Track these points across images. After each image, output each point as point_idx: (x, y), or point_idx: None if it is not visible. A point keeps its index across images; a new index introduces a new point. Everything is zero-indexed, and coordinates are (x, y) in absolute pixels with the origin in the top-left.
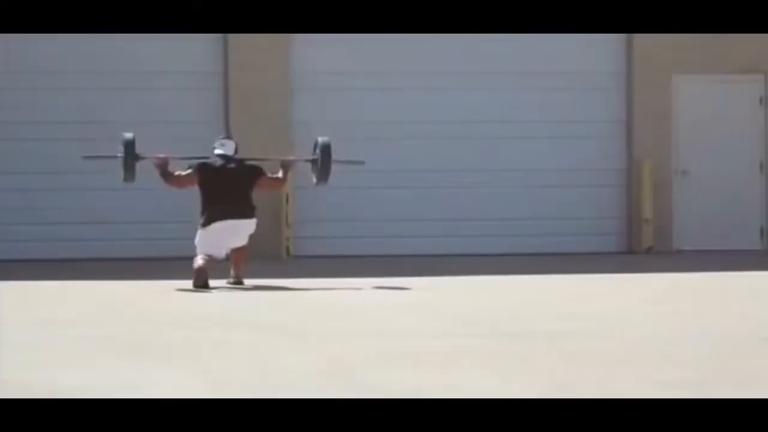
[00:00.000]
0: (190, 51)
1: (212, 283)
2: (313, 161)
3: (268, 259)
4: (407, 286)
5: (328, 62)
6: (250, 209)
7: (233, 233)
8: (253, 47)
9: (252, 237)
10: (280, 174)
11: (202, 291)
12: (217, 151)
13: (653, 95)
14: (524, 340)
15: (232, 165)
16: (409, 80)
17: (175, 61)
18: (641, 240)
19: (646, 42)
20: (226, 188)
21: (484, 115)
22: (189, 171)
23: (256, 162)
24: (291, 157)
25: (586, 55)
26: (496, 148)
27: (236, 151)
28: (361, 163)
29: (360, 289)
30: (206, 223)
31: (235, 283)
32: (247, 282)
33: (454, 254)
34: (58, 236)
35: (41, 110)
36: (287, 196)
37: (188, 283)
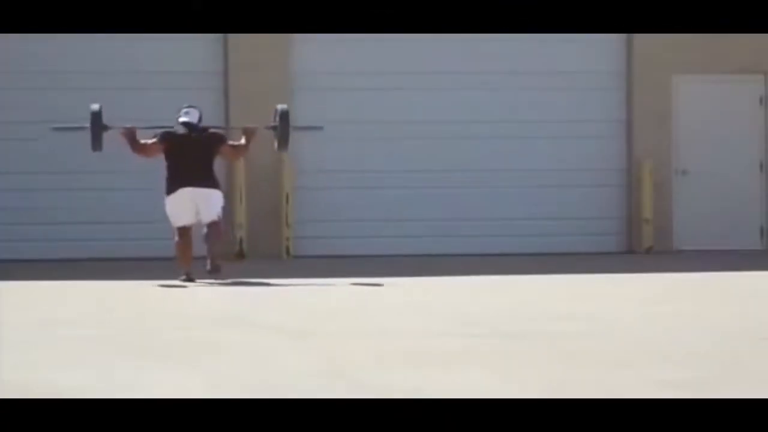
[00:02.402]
0: (190, 51)
1: (213, 283)
2: (274, 128)
3: (268, 259)
4: (407, 286)
5: (328, 62)
6: (212, 178)
7: (199, 202)
8: (253, 47)
9: (252, 237)
10: (242, 141)
11: (187, 280)
12: (182, 119)
13: (653, 95)
14: (524, 340)
15: (196, 134)
16: (409, 80)
17: (175, 61)
18: (641, 240)
19: (646, 42)
20: (190, 156)
21: (484, 115)
22: (153, 140)
23: (218, 130)
24: (252, 125)
25: (586, 55)
26: (495, 148)
27: (200, 120)
28: (320, 128)
29: (360, 289)
30: (170, 191)
31: (212, 271)
32: (248, 282)
33: (454, 254)
34: (58, 236)
35: (41, 110)
36: (287, 196)
37: (187, 284)
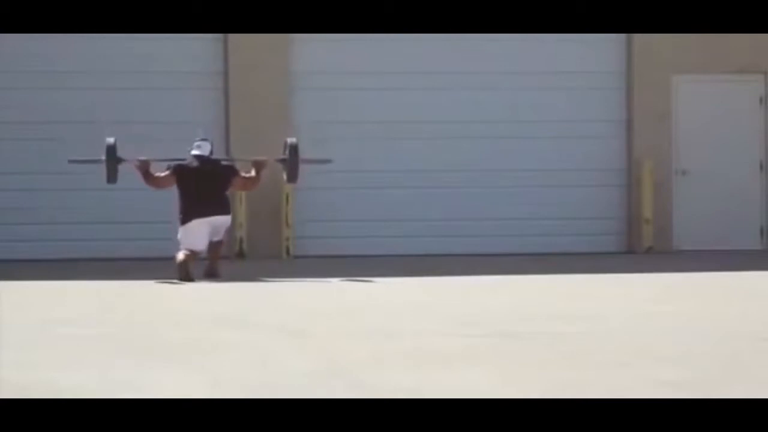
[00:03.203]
0: (190, 51)
1: (213, 283)
2: (283, 161)
3: (268, 259)
4: (407, 286)
5: (328, 62)
6: (226, 206)
7: (211, 229)
8: (253, 47)
9: (252, 237)
10: (252, 173)
11: (186, 283)
12: (194, 152)
13: (653, 95)
14: (524, 340)
15: (208, 166)
16: (409, 80)
17: (175, 61)
18: (641, 240)
19: (646, 42)
20: (203, 188)
21: (484, 115)
22: (167, 173)
23: (229, 162)
24: (263, 158)
25: (586, 55)
26: (495, 148)
27: (212, 152)
28: (328, 161)
29: (359, 288)
30: (185, 221)
31: (209, 274)
32: (248, 282)
33: (454, 254)
34: (58, 236)
35: (41, 110)
36: (287, 196)
37: (187, 284)
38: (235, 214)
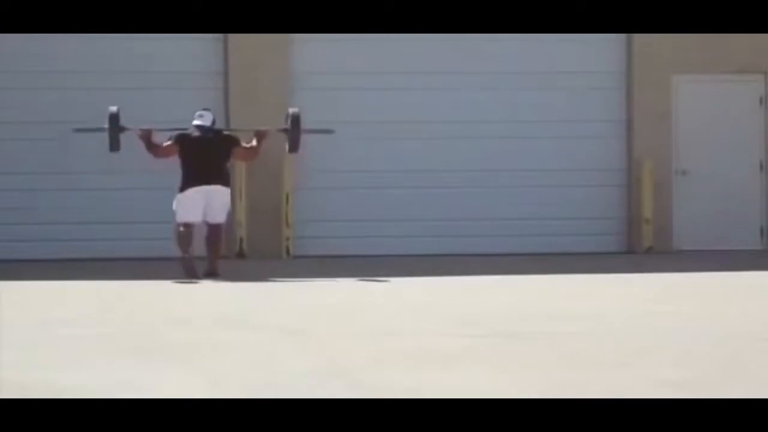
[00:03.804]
0: (190, 51)
1: (213, 283)
2: (285, 131)
3: (268, 259)
4: (407, 286)
5: (328, 62)
6: (224, 177)
7: (207, 200)
8: (253, 47)
9: (252, 237)
10: (254, 143)
11: (192, 280)
12: (195, 122)
13: (653, 95)
14: (524, 340)
15: (210, 135)
16: (409, 80)
17: (175, 61)
18: (641, 240)
19: (646, 42)
20: (203, 157)
21: (484, 115)
22: (169, 142)
23: (231, 132)
24: (264, 128)
25: (586, 55)
26: (495, 148)
27: (214, 123)
28: (331, 131)
29: (360, 289)
30: (182, 189)
31: (209, 274)
32: (248, 282)
33: (454, 254)
34: (58, 236)
35: (41, 110)
36: (287, 196)
37: (187, 284)
38: (235, 214)
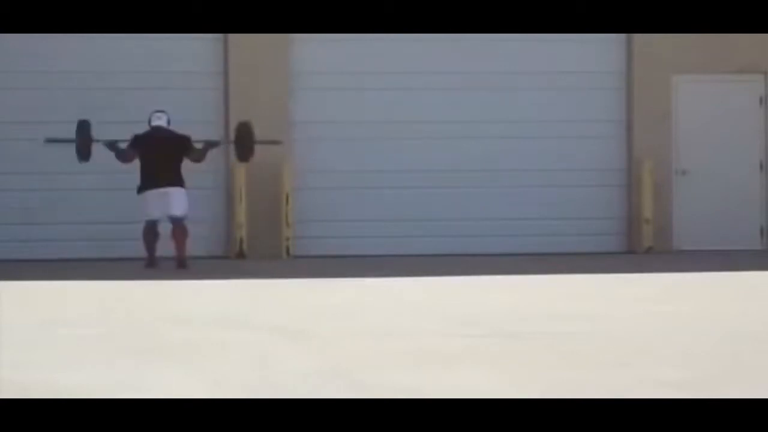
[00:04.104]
0: (190, 51)
1: (213, 283)
2: (235, 140)
3: (268, 259)
4: (407, 286)
5: (328, 62)
6: (180, 178)
7: (166, 198)
8: (253, 47)
9: (252, 237)
10: (200, 146)
11: (152, 268)
12: (154, 123)
13: (653, 95)
14: (524, 340)
15: (165, 135)
16: (409, 80)
17: (175, 61)
18: (641, 240)
19: (646, 42)
20: (159, 158)
21: (484, 115)
22: (128, 146)
23: (184, 133)
24: (215, 140)
25: (586, 55)
26: (496, 148)
27: (168, 123)
28: (278, 143)
29: (360, 289)
30: (140, 191)
31: (180, 266)
32: (248, 282)
33: (454, 254)
34: (58, 236)
35: (42, 110)
36: (287, 196)
37: (187, 284)
38: (235, 214)
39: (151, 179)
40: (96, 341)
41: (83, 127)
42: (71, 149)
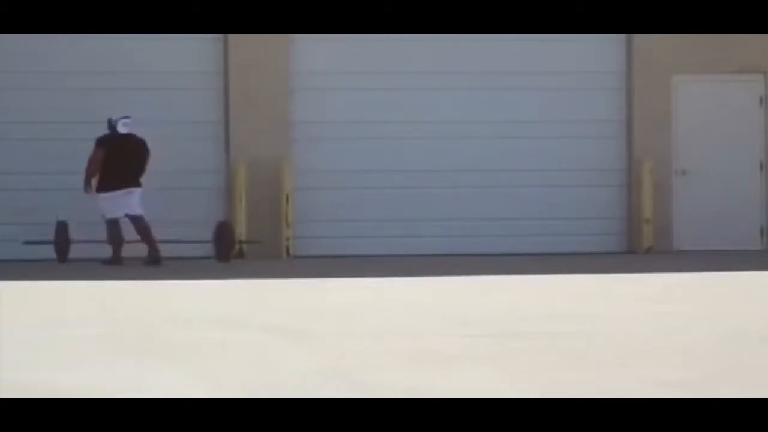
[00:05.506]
0: (190, 51)
1: (213, 283)
2: (213, 241)
3: (268, 259)
4: (407, 286)
5: (328, 62)
6: (135, 180)
7: (128, 200)
8: (253, 47)
9: (252, 237)
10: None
11: (118, 264)
12: (121, 130)
13: (653, 95)
14: (524, 340)
15: (132, 140)
16: (409, 80)
17: (175, 61)
18: (641, 240)
19: (646, 42)
20: (124, 160)
21: (484, 115)
22: (95, 152)
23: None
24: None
25: (586, 55)
26: (496, 148)
27: (131, 128)
28: (259, 242)
29: (360, 289)
30: (105, 189)
31: (153, 260)
32: (248, 282)
33: (454, 254)
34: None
35: (41, 110)
36: (287, 196)
37: (187, 284)
38: (235, 214)
39: (119, 179)
40: (96, 341)
41: (61, 228)
42: (71, 149)
